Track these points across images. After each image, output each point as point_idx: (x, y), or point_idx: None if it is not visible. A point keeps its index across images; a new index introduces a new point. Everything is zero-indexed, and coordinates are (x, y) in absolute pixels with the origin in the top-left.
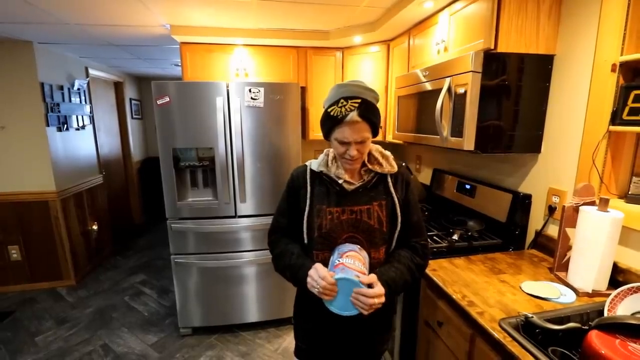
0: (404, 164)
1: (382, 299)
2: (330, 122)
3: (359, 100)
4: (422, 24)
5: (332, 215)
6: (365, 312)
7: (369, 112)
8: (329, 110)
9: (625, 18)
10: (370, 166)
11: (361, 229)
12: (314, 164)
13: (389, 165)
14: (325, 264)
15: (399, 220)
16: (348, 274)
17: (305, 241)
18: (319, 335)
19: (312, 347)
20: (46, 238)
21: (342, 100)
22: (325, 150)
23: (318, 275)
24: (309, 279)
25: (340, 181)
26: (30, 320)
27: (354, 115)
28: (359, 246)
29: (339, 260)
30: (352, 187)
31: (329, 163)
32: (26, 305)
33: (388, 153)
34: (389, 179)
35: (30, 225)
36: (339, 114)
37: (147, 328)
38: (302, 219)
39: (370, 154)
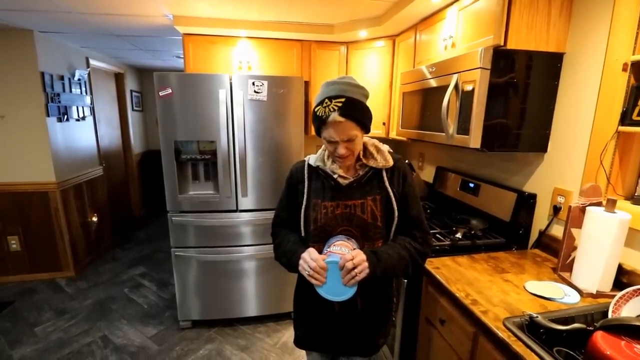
0: (406, 161)
1: (364, 265)
2: (317, 122)
3: (342, 100)
4: (429, 19)
5: (327, 209)
6: (351, 282)
7: (353, 110)
8: (315, 110)
9: (639, 17)
10: (365, 161)
11: (355, 223)
12: (312, 159)
13: (384, 159)
14: None
15: (396, 214)
16: (334, 257)
17: (303, 234)
18: (316, 324)
19: (310, 335)
20: (46, 229)
21: (326, 100)
22: (323, 145)
23: (310, 257)
24: (300, 261)
25: (335, 176)
26: (30, 311)
27: (335, 116)
28: (346, 236)
29: (326, 251)
30: (347, 181)
31: (325, 158)
32: (25, 296)
33: (384, 147)
34: (384, 174)
35: (30, 216)
36: (323, 114)
37: (146, 320)
38: (300, 213)
39: (365, 149)
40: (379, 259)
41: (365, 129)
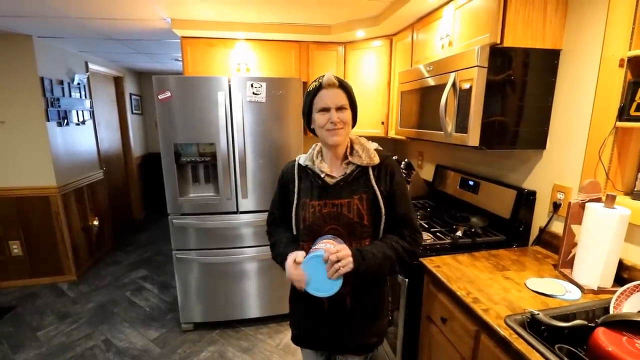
0: (406, 160)
1: (348, 260)
2: (310, 96)
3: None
4: (426, 18)
5: (314, 208)
6: (335, 275)
7: (343, 81)
8: (308, 89)
9: (634, 12)
10: (350, 158)
11: (342, 222)
12: (302, 159)
13: (368, 157)
14: None
15: (383, 212)
16: (319, 252)
17: (295, 232)
18: (308, 322)
19: (304, 333)
20: (47, 233)
21: (318, 78)
22: (313, 145)
23: (290, 264)
24: (286, 265)
25: (322, 175)
26: (32, 315)
27: (330, 77)
28: (334, 235)
29: (313, 249)
30: (334, 180)
31: (314, 157)
32: (27, 300)
33: (370, 145)
34: (371, 172)
35: (31, 221)
36: (316, 83)
37: (148, 323)
38: (291, 212)
39: (352, 146)
40: (363, 257)
41: (353, 108)
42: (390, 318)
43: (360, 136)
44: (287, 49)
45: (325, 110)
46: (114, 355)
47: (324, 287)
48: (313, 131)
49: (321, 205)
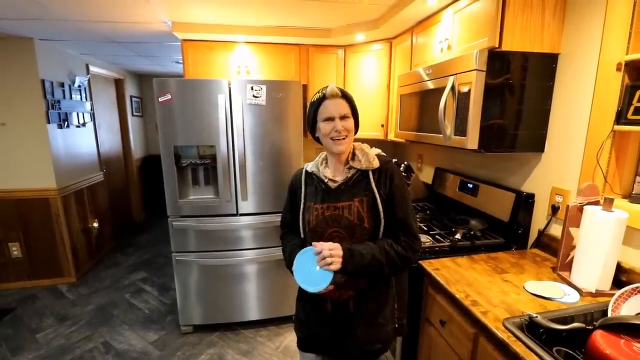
0: (405, 163)
1: (338, 259)
2: (314, 106)
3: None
4: (425, 22)
5: (318, 211)
6: (326, 267)
7: (345, 92)
8: (312, 100)
9: (631, 16)
10: (351, 163)
11: (343, 224)
12: (309, 166)
13: (367, 161)
14: None
15: (382, 216)
16: (306, 248)
17: (302, 235)
18: (311, 324)
19: (306, 336)
20: (47, 235)
21: (321, 90)
22: (320, 154)
23: None
24: None
25: (325, 180)
26: (31, 318)
27: (333, 88)
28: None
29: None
30: (336, 184)
31: (319, 164)
32: (27, 302)
33: (371, 151)
34: (371, 175)
35: (31, 222)
36: (320, 94)
37: (148, 325)
38: (299, 216)
39: (353, 152)
40: (352, 255)
41: (355, 117)
42: (396, 326)
43: (362, 142)
44: (287, 51)
45: (330, 119)
46: (113, 358)
47: (315, 280)
48: (318, 139)
49: (324, 209)
